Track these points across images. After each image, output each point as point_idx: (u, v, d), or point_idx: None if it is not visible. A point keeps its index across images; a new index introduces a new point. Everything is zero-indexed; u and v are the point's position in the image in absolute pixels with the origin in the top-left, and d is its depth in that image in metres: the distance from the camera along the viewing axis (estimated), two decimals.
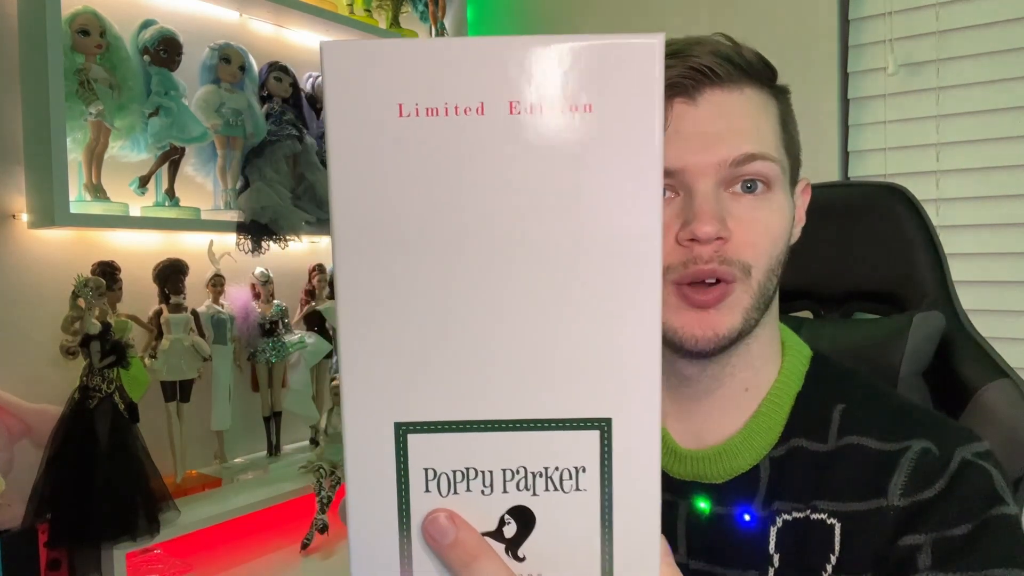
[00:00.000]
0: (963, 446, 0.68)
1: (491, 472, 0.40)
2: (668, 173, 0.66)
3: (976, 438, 0.70)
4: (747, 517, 0.71)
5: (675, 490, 0.75)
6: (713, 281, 0.68)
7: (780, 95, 0.75)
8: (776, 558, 0.69)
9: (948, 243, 1.05)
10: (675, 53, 0.68)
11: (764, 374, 0.76)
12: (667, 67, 0.62)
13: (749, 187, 0.69)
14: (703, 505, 0.74)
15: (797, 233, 0.77)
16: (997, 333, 1.70)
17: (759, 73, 0.72)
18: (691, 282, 0.68)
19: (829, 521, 0.68)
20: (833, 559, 0.68)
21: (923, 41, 1.82)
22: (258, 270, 1.82)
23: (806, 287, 1.10)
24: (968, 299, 1.04)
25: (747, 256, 0.69)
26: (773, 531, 0.70)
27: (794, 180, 0.76)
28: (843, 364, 0.80)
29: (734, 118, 0.69)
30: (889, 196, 1.02)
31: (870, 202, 1.02)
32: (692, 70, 0.67)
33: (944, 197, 1.80)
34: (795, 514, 0.70)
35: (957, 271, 1.05)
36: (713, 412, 0.75)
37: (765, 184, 0.70)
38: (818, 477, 0.70)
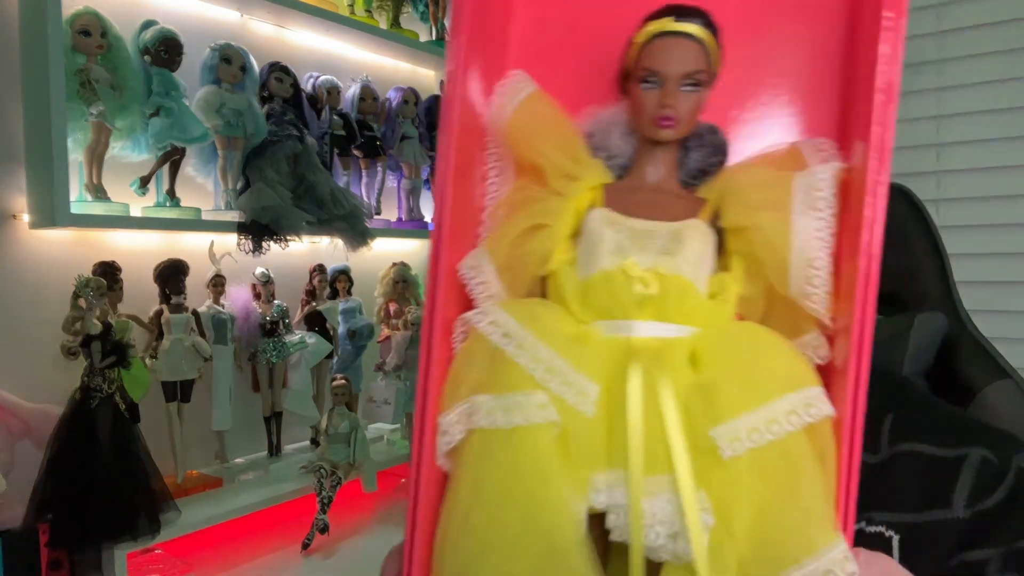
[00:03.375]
0: (1019, 454, 0.66)
1: None
2: None
3: None
4: None
5: None
6: None
7: None
8: None
9: (949, 243, 1.05)
10: None
11: None
12: None
13: None
14: None
15: None
16: (999, 333, 1.70)
17: None
18: None
19: (887, 533, 0.66)
20: None
21: (923, 41, 1.82)
22: (259, 270, 1.82)
23: None
24: (969, 299, 1.04)
25: None
26: None
27: None
28: (893, 374, 0.78)
29: None
30: (891, 196, 1.02)
31: None
32: None
33: (945, 197, 1.80)
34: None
35: (958, 271, 1.05)
36: None
37: None
38: (871, 488, 0.64)
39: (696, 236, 0.45)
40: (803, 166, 0.47)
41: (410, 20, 2.34)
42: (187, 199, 1.67)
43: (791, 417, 0.38)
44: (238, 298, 1.77)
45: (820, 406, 0.39)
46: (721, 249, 0.47)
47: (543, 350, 0.41)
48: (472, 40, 0.48)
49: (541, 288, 0.48)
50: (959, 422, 0.71)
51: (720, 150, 0.50)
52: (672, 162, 0.49)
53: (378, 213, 2.13)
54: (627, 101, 0.49)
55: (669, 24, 0.46)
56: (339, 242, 1.90)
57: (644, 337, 0.42)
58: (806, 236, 0.42)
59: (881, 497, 0.67)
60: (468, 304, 0.47)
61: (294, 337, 1.86)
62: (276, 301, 1.84)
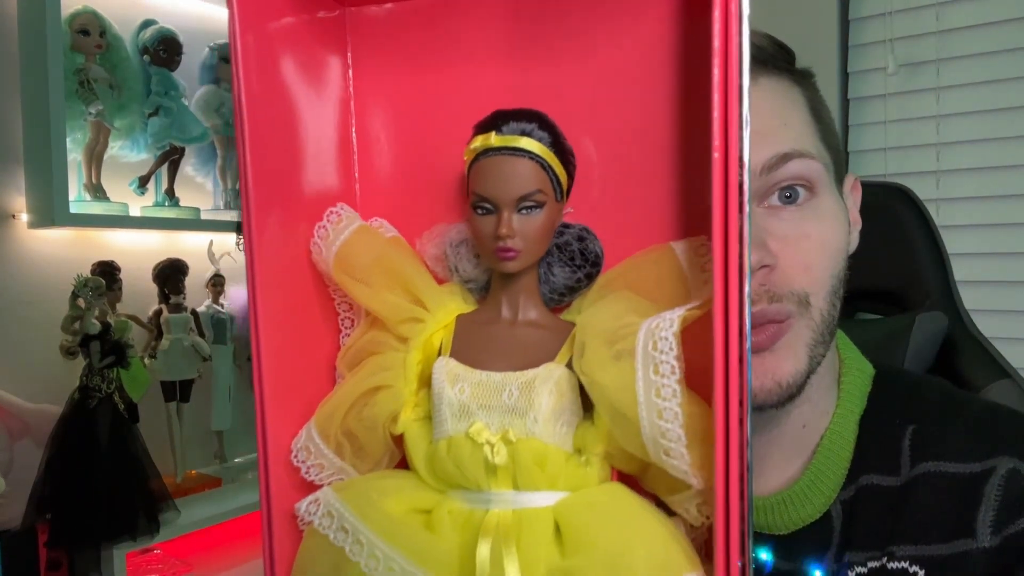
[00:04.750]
0: None
1: None
2: None
3: None
4: (818, 574, 0.59)
5: None
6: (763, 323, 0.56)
7: (803, 80, 0.62)
8: None
9: (949, 243, 1.04)
10: None
11: (823, 405, 0.63)
12: None
13: (789, 196, 0.56)
14: (765, 557, 0.61)
15: (855, 240, 0.64)
16: (999, 333, 1.70)
17: (773, 58, 0.60)
18: None
19: (912, 569, 0.56)
20: None
21: (923, 41, 1.82)
22: None
23: None
24: (969, 299, 1.04)
25: (802, 283, 0.56)
26: None
27: (839, 176, 0.63)
28: (912, 375, 0.69)
29: (754, 116, 0.53)
30: (892, 196, 1.02)
31: (873, 202, 1.02)
32: None
33: (944, 197, 1.80)
34: (871, 564, 0.57)
35: (958, 271, 1.05)
36: (770, 455, 0.63)
37: (808, 188, 0.57)
38: (893, 517, 0.58)
39: (550, 387, 0.39)
40: (679, 275, 0.42)
41: None
42: (186, 199, 1.67)
43: None
44: (237, 298, 1.77)
45: None
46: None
47: (380, 546, 0.38)
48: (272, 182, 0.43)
49: (401, 444, 0.44)
50: (987, 425, 0.61)
51: (590, 261, 0.43)
52: (531, 287, 0.43)
53: None
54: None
55: (492, 140, 0.40)
56: None
57: (500, 510, 0.39)
58: (651, 407, 0.37)
59: (904, 527, 0.58)
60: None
61: None
62: None
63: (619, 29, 0.47)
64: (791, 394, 0.57)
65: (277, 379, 0.42)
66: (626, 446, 0.40)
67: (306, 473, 0.43)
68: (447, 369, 0.41)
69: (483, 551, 0.37)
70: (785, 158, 0.56)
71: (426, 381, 0.43)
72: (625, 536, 0.38)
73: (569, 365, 0.41)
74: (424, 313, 0.43)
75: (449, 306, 0.44)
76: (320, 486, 0.43)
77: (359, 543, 0.38)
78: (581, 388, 0.42)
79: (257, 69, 0.44)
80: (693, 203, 0.44)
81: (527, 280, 0.42)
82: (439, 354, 0.43)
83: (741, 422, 0.34)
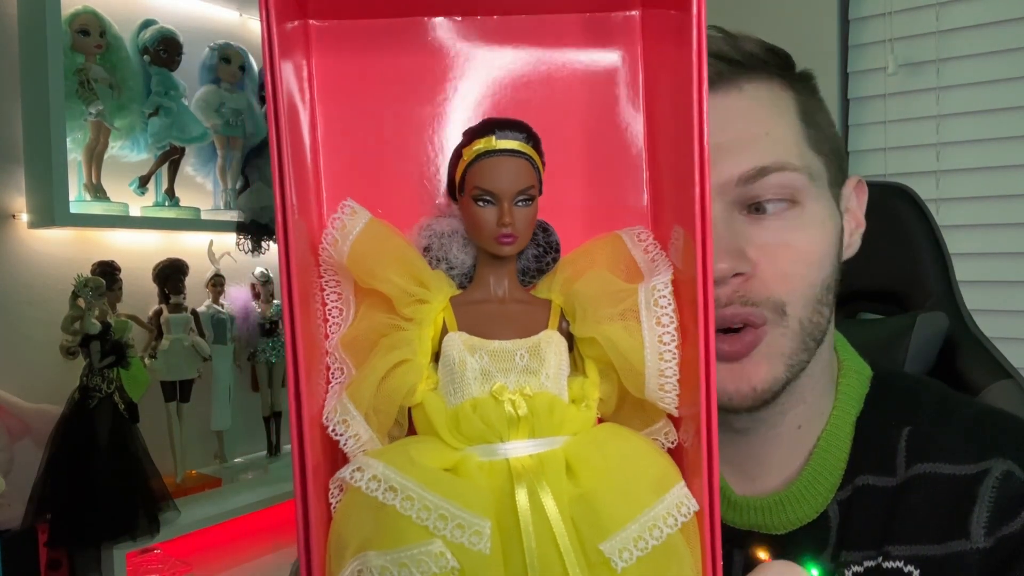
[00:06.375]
0: None
1: None
2: None
3: None
4: (815, 573, 0.58)
5: (731, 539, 0.63)
6: (740, 325, 0.57)
7: (798, 84, 0.63)
8: None
9: (949, 243, 1.04)
10: None
11: (819, 406, 0.65)
12: None
13: (770, 207, 0.58)
14: (763, 556, 0.61)
15: (856, 243, 0.66)
16: (1000, 333, 1.70)
17: (762, 64, 0.61)
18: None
19: (907, 569, 0.57)
20: None
21: (923, 41, 1.82)
22: (258, 270, 1.81)
23: None
24: (970, 299, 1.04)
25: (778, 291, 0.58)
26: None
27: (837, 180, 0.64)
28: (909, 377, 0.70)
29: (735, 125, 0.57)
30: (893, 195, 1.02)
31: (874, 202, 1.02)
32: None
33: (944, 197, 1.80)
34: (867, 563, 0.59)
35: (957, 271, 1.05)
36: (766, 455, 0.65)
37: (790, 200, 0.58)
38: (889, 518, 0.60)
39: (553, 349, 0.47)
40: (627, 257, 0.49)
41: None
42: (186, 199, 1.67)
43: (668, 520, 0.42)
44: (237, 298, 1.77)
45: (689, 504, 0.43)
46: (571, 347, 0.50)
47: (430, 498, 0.42)
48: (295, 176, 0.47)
49: (405, 415, 0.49)
50: (982, 428, 0.62)
51: (554, 248, 0.51)
52: (513, 270, 0.50)
53: None
54: (462, 214, 0.49)
55: (492, 143, 0.47)
56: None
57: (520, 456, 0.45)
58: (655, 350, 0.45)
59: (899, 527, 0.59)
60: (333, 446, 0.46)
61: None
62: (275, 301, 1.83)
63: (578, 58, 0.53)
64: (765, 400, 0.59)
65: (309, 359, 0.45)
66: (628, 386, 0.46)
67: (344, 445, 0.45)
68: (462, 341, 0.47)
69: (521, 493, 0.42)
70: (763, 171, 0.57)
71: (434, 355, 0.48)
72: (629, 461, 0.45)
73: (558, 331, 0.49)
74: (428, 295, 0.48)
75: (444, 289, 0.49)
76: (347, 459, 0.47)
77: (409, 499, 0.41)
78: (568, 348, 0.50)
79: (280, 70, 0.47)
80: (629, 200, 0.52)
81: (511, 264, 0.49)
82: (443, 331, 0.48)
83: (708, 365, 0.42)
